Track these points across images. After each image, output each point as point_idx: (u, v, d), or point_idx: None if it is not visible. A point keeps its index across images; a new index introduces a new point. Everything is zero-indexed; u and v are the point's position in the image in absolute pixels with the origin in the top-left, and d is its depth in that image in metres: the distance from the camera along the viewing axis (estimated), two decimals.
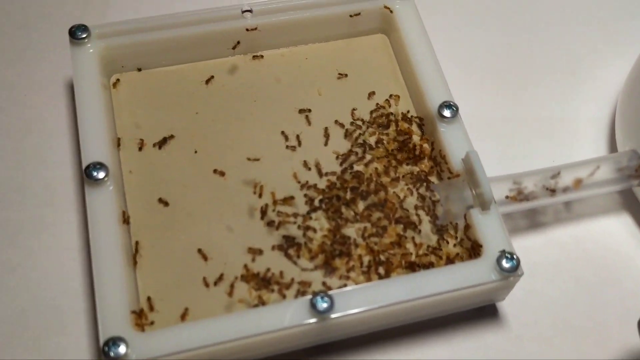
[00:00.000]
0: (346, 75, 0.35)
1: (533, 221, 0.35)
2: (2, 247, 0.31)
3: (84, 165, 0.29)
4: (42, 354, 0.29)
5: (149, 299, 0.28)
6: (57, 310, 0.30)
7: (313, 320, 0.27)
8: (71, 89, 0.36)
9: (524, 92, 0.39)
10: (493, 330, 0.32)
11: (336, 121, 0.34)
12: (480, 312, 0.32)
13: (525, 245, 0.34)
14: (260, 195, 0.32)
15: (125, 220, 0.30)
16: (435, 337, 0.31)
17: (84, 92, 0.32)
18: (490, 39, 0.41)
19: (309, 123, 0.34)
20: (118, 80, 0.34)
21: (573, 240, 0.35)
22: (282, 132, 0.34)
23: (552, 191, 0.32)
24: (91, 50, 0.33)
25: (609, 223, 0.35)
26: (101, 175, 0.29)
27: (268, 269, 0.30)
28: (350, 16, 0.36)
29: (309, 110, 0.34)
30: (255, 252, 0.30)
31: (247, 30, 0.35)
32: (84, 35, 0.33)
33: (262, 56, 0.36)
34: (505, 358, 0.31)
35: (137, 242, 0.30)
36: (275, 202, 0.31)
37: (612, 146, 0.37)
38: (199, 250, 0.30)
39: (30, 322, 0.30)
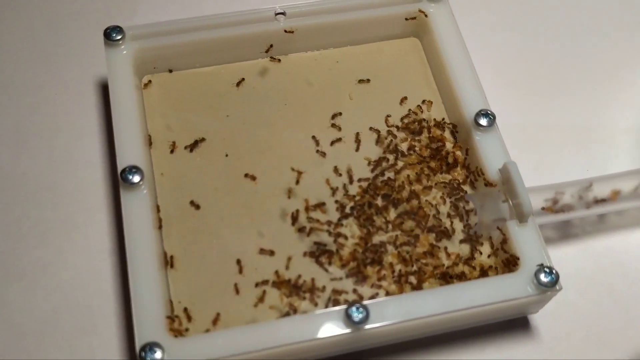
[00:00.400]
0: (370, 80, 0.35)
1: (565, 232, 0.35)
2: (33, 245, 0.32)
3: (119, 169, 0.29)
4: (74, 353, 0.29)
5: (185, 309, 0.28)
6: (88, 310, 0.30)
7: (348, 330, 0.27)
8: (101, 89, 0.36)
9: (559, 100, 0.39)
10: (524, 343, 0.32)
11: (368, 127, 0.34)
12: (512, 324, 0.32)
13: (557, 256, 0.33)
14: (291, 200, 0.31)
15: (160, 225, 0.30)
16: (466, 347, 0.31)
17: (119, 93, 0.32)
18: (525, 44, 0.40)
19: (340, 128, 0.34)
20: (150, 81, 0.34)
21: (607, 251, 0.34)
22: (313, 137, 0.33)
23: (592, 203, 0.32)
24: (125, 52, 0.33)
25: None
26: (136, 179, 0.29)
27: (299, 276, 0.30)
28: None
29: (340, 114, 0.34)
30: (289, 264, 0.30)
31: (285, 32, 0.34)
32: (119, 37, 0.33)
33: (289, 58, 0.35)
34: None
35: (171, 256, 0.30)
36: (307, 209, 0.31)
37: None
38: (238, 261, 0.30)
39: (61, 322, 0.30)
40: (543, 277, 0.29)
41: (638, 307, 0.33)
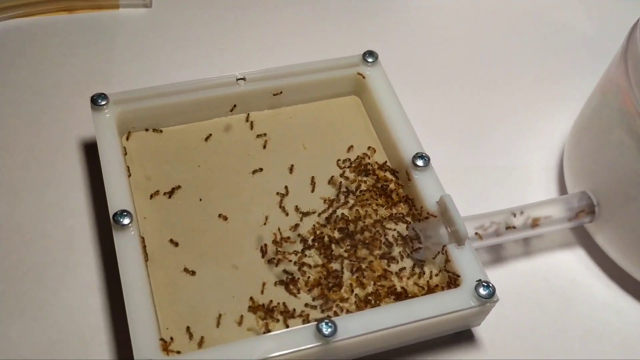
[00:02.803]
0: (320, 132, 0.40)
1: (497, 256, 0.40)
2: (30, 286, 0.35)
3: (111, 213, 0.33)
4: None
5: (170, 336, 0.32)
6: (81, 342, 0.33)
7: (319, 343, 0.31)
8: (83, 147, 0.40)
9: (482, 144, 0.44)
10: (472, 353, 0.36)
11: (321, 172, 0.38)
12: (459, 337, 0.36)
13: (492, 276, 0.38)
14: (259, 236, 0.35)
15: (146, 259, 0.33)
16: (419, 359, 0.35)
17: (106, 149, 0.35)
18: (451, 96, 0.46)
19: (296, 173, 0.38)
20: (128, 139, 0.38)
21: (534, 271, 0.39)
22: (274, 180, 0.38)
23: (514, 228, 0.37)
24: (108, 115, 0.37)
25: (565, 256, 0.40)
26: (126, 221, 0.33)
27: (271, 301, 0.33)
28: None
29: (296, 162, 0.39)
30: (263, 289, 0.34)
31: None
32: (104, 102, 0.37)
33: (252, 121, 0.40)
34: None
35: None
36: (275, 242, 0.35)
37: (562, 191, 0.42)
38: (216, 291, 0.33)
39: (58, 354, 0.33)
40: (482, 291, 0.33)
41: (564, 317, 0.38)
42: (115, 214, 0.33)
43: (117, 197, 0.34)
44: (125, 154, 0.37)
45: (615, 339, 0.37)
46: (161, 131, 0.39)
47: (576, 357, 0.36)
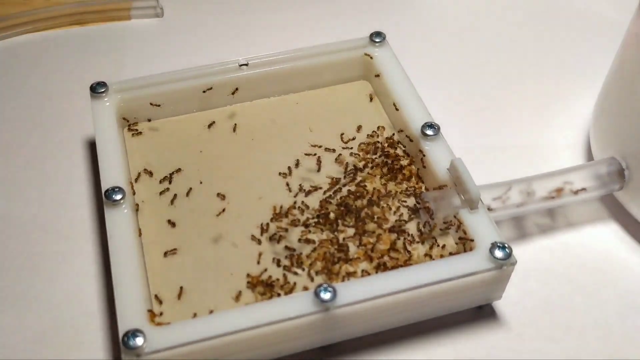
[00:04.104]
0: (328, 115, 0.39)
1: (521, 232, 0.37)
2: (26, 276, 0.34)
3: (103, 189, 0.32)
4: None
5: (156, 296, 0.30)
6: (75, 330, 0.32)
7: (318, 309, 0.29)
8: (88, 146, 0.40)
9: (502, 125, 0.42)
10: (494, 330, 0.33)
11: (328, 152, 0.37)
12: (480, 313, 0.33)
13: (516, 254, 0.36)
14: (261, 215, 0.34)
15: (140, 234, 0.32)
16: (438, 338, 0.32)
17: (103, 133, 0.35)
18: (467, 80, 0.45)
19: (301, 154, 0.37)
20: (130, 129, 0.38)
21: (563, 247, 0.36)
22: (279, 161, 0.36)
23: (538, 198, 0.35)
24: (108, 104, 0.37)
25: (597, 230, 0.37)
26: (118, 197, 0.32)
27: (270, 276, 0.32)
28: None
29: (303, 143, 0.37)
30: (260, 259, 0.32)
31: (232, 93, 0.39)
32: (102, 90, 0.37)
33: (254, 103, 0.39)
34: (507, 357, 0.32)
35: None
36: (275, 215, 0.34)
37: None
38: (214, 267, 0.31)
39: (51, 341, 0.32)
40: (497, 252, 0.31)
41: (599, 293, 0.34)
42: (107, 190, 0.32)
43: (110, 175, 0.33)
44: (127, 143, 0.37)
45: None
46: (158, 121, 0.38)
47: (614, 333, 0.33)
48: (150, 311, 0.29)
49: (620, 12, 0.49)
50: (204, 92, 0.38)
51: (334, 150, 0.37)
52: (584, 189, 0.36)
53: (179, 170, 0.36)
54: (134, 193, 0.34)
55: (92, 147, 0.40)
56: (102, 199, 0.32)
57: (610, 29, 0.47)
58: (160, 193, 0.35)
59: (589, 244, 0.37)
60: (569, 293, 0.35)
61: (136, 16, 0.48)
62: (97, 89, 0.37)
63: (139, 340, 0.27)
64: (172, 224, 0.34)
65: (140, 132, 0.38)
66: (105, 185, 0.32)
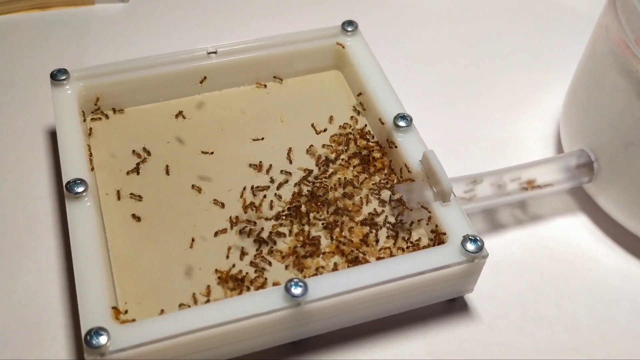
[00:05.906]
0: (299, 105, 0.38)
1: (493, 224, 0.37)
2: None
3: (64, 182, 0.31)
4: None
5: (122, 293, 0.29)
6: (37, 326, 0.31)
7: (288, 304, 0.28)
8: (49, 136, 0.38)
9: (473, 117, 0.42)
10: (465, 323, 0.33)
11: (299, 143, 0.36)
12: (452, 306, 0.33)
13: (488, 246, 0.35)
14: (230, 208, 0.33)
15: (104, 230, 0.31)
16: (410, 332, 0.32)
17: (63, 123, 0.34)
18: (440, 71, 0.44)
19: (272, 145, 0.36)
20: (92, 119, 0.36)
21: (533, 239, 0.36)
22: (248, 152, 0.36)
23: (509, 190, 0.35)
24: (69, 92, 0.35)
25: (566, 222, 0.37)
26: (80, 189, 0.31)
27: (240, 270, 0.31)
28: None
29: (273, 134, 0.37)
30: (229, 253, 0.31)
31: (200, 82, 0.38)
32: (63, 77, 0.35)
33: (224, 93, 0.38)
34: (479, 349, 0.32)
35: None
36: (245, 208, 0.33)
37: None
38: (182, 263, 0.31)
39: (12, 338, 0.31)
40: (469, 245, 0.30)
41: (569, 284, 0.35)
42: (68, 182, 0.31)
43: (71, 167, 0.32)
44: (90, 134, 0.35)
45: (624, 303, 0.34)
46: (123, 111, 0.37)
47: (583, 323, 0.33)
48: (115, 308, 0.28)
49: (591, 5, 0.49)
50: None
51: (305, 142, 0.36)
52: (552, 183, 0.36)
53: (144, 161, 0.35)
54: (97, 185, 0.33)
55: (53, 137, 0.39)
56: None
57: (581, 22, 0.47)
58: (126, 185, 0.34)
59: (559, 236, 0.37)
60: (539, 285, 0.35)
61: (100, 1, 0.47)
62: (57, 76, 0.36)
63: (103, 339, 0.26)
64: (137, 218, 0.33)
65: (104, 121, 0.36)
66: (66, 177, 0.31)
